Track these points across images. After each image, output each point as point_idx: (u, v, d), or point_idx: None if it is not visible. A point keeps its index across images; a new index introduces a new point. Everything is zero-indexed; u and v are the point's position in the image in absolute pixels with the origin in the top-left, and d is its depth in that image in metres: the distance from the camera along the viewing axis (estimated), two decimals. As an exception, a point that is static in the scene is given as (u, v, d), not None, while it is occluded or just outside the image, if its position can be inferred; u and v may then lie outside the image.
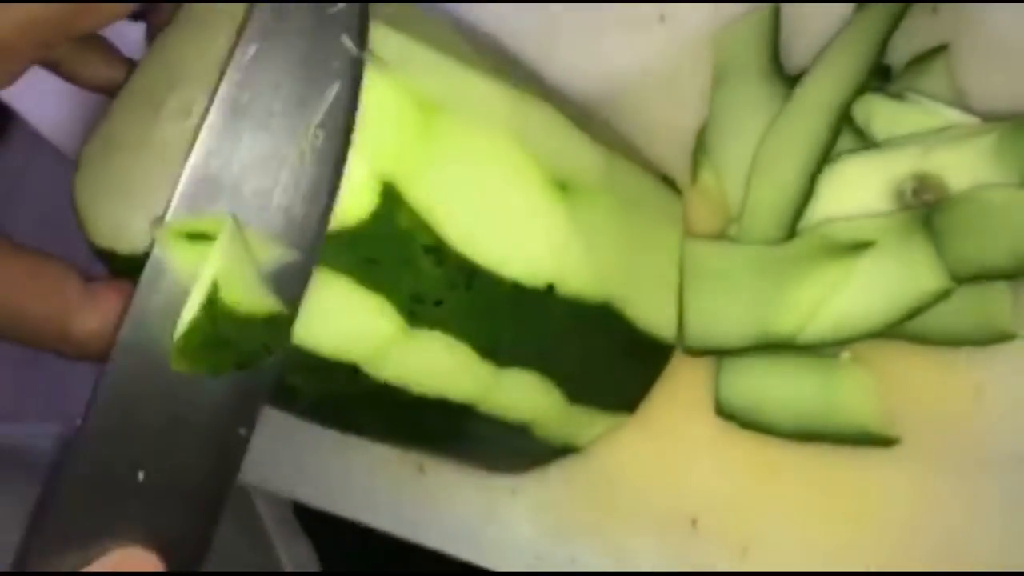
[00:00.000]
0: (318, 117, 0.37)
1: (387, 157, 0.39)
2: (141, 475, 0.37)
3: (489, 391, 0.45)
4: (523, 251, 0.43)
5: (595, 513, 0.53)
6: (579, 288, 0.45)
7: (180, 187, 0.36)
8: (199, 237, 0.36)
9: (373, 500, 0.57)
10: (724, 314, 0.50)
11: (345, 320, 0.40)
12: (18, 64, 0.40)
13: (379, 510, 0.57)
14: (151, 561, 0.37)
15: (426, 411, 0.45)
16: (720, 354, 0.50)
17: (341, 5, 0.38)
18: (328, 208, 0.38)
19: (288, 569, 0.77)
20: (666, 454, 0.52)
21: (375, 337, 0.41)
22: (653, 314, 0.49)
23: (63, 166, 0.73)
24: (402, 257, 0.40)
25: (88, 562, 0.37)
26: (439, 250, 0.40)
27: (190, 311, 0.36)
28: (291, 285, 0.38)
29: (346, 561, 0.71)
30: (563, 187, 0.44)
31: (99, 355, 0.40)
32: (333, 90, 0.38)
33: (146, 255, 0.38)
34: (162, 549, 0.37)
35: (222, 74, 0.37)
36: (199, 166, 0.36)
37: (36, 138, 0.68)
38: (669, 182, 0.53)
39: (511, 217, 0.43)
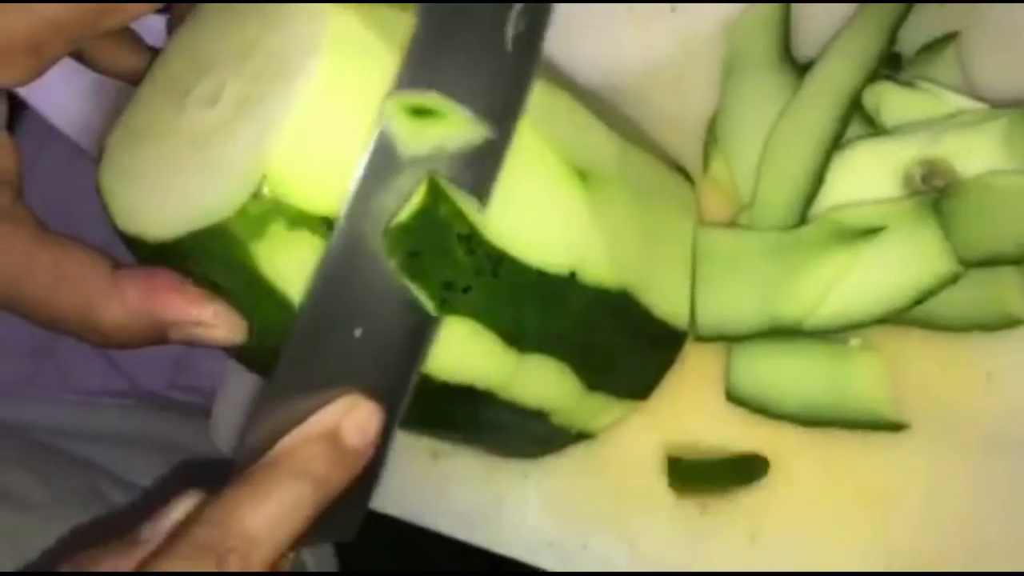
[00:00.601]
0: (520, 4, 0.41)
1: None
2: (358, 332, 0.40)
3: (511, 378, 0.46)
4: (547, 239, 0.44)
5: (605, 498, 0.54)
6: (599, 275, 0.46)
7: (401, 71, 0.39)
8: (421, 112, 0.39)
9: (385, 485, 0.57)
10: (735, 300, 0.50)
11: None
12: (47, 60, 0.41)
13: (391, 495, 0.57)
14: (371, 407, 0.40)
15: (450, 398, 0.45)
16: (731, 340, 0.51)
17: None
18: (526, 91, 0.42)
19: (307, 560, 0.77)
20: (676, 440, 0.52)
21: None
22: (668, 302, 0.50)
23: (74, 158, 0.73)
24: (440, 247, 0.40)
25: (317, 409, 0.40)
26: (471, 238, 0.41)
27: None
28: (486, 164, 0.41)
29: (365, 555, 0.71)
30: (583, 176, 0.45)
31: (123, 344, 0.41)
32: None
33: (176, 240, 0.39)
34: (375, 399, 0.41)
35: None
36: (416, 51, 0.39)
37: (46, 129, 0.69)
38: (682, 171, 0.53)
39: (535, 205, 0.43)
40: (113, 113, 0.44)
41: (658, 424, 0.52)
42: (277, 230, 0.38)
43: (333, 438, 0.39)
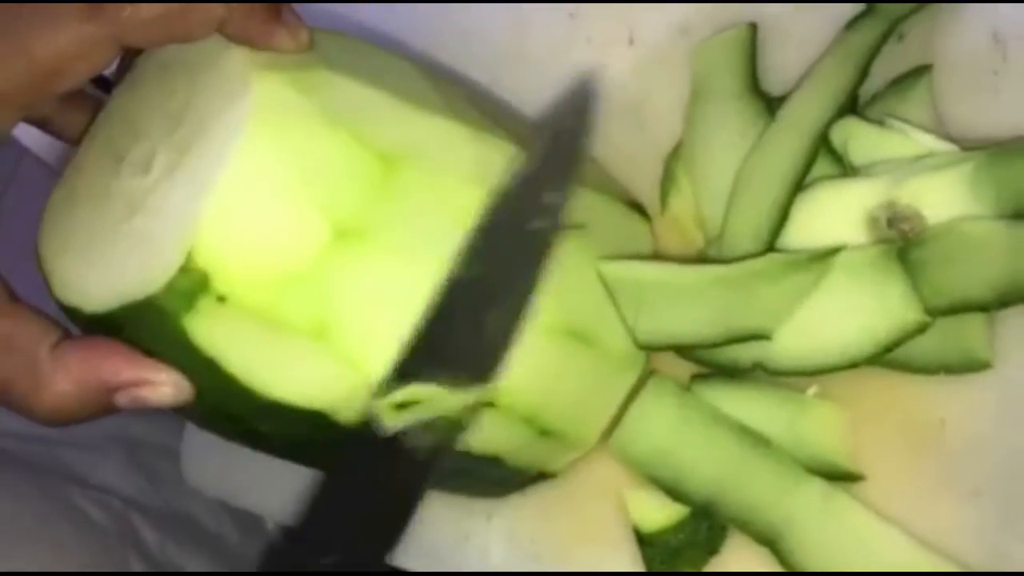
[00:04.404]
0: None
1: (346, 209, 0.41)
2: None
3: None
4: None
5: (569, 535, 0.55)
6: (548, 322, 0.47)
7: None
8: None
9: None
10: (688, 316, 0.51)
11: (312, 371, 0.43)
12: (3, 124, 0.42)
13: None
14: None
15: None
16: (677, 349, 0.52)
17: None
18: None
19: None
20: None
21: (340, 385, 0.43)
22: (620, 341, 0.51)
23: (50, 174, 0.75)
24: None
25: None
26: None
27: None
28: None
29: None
30: None
31: (68, 419, 0.42)
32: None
33: (109, 313, 0.40)
34: None
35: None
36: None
37: (22, 150, 0.70)
38: (638, 208, 0.54)
39: None
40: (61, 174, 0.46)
41: (620, 460, 0.53)
42: (207, 303, 0.39)
43: None
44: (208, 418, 0.46)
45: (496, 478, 0.53)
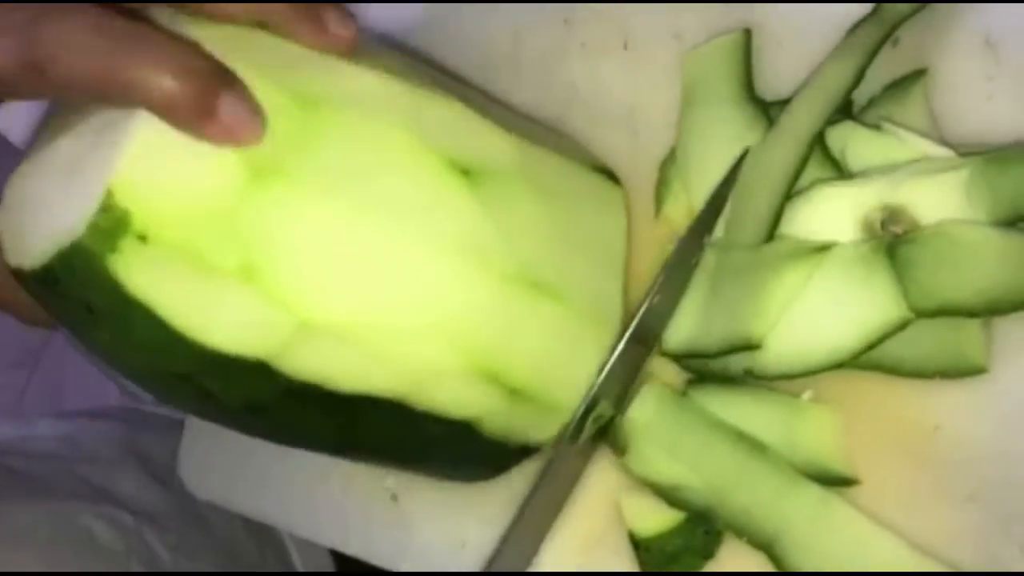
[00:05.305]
0: None
1: (261, 148, 0.42)
2: None
3: (416, 386, 0.48)
4: (427, 235, 0.46)
5: (566, 541, 0.55)
6: (501, 269, 0.47)
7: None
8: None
9: (347, 527, 0.60)
10: (708, 318, 0.52)
11: (245, 314, 0.44)
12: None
13: (353, 537, 0.60)
14: None
15: (359, 411, 0.47)
16: (696, 358, 0.53)
17: None
18: None
19: (296, 561, 0.80)
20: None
21: (276, 330, 0.44)
22: (593, 299, 0.51)
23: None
24: None
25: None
26: None
27: None
28: None
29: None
30: (466, 172, 0.47)
31: None
32: None
33: (45, 267, 0.42)
34: None
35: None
36: None
37: (4, 143, 0.71)
38: (607, 173, 0.55)
39: (408, 202, 0.45)
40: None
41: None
42: (129, 242, 0.41)
43: None
44: (157, 380, 0.47)
45: (476, 451, 0.52)
